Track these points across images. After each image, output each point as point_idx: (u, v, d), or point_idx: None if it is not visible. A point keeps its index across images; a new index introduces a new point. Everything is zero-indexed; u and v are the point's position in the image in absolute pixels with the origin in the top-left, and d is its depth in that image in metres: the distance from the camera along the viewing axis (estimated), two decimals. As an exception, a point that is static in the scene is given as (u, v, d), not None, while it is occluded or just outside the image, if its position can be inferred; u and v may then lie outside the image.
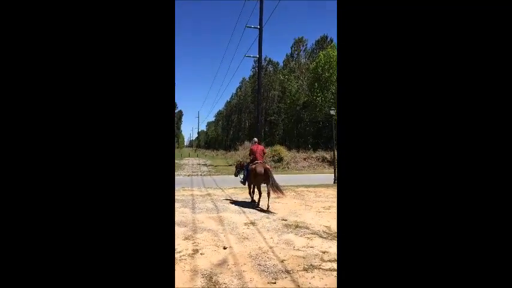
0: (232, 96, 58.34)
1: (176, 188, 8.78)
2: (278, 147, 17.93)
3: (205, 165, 19.94)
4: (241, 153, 21.28)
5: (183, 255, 3.24)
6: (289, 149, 20.06)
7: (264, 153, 6.16)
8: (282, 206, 6.06)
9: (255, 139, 6.65)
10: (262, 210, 5.57)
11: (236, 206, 6.01)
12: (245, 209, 5.70)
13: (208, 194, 7.64)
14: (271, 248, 3.49)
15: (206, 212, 5.48)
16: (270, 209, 5.52)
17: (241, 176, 6.71)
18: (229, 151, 35.36)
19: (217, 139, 64.52)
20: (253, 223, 4.65)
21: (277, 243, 3.66)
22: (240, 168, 7.04)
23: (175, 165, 18.89)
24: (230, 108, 57.23)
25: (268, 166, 5.71)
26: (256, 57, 15.71)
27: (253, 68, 41.30)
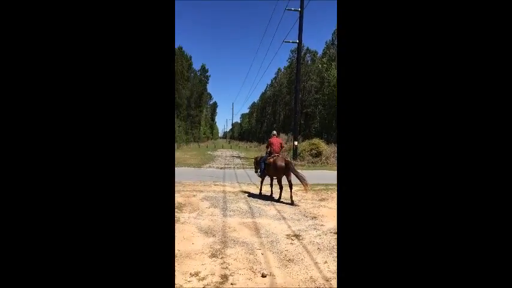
0: (267, 87, 57.33)
1: (207, 183, 8.10)
2: (316, 141, 16.34)
3: (238, 157, 19.29)
4: (276, 146, 20.32)
5: (207, 284, 2.38)
6: (328, 142, 18.59)
7: (282, 147, 6.03)
8: (329, 212, 4.99)
9: (274, 132, 6.46)
10: (286, 203, 5.48)
11: (274, 210, 5.09)
12: (285, 214, 4.75)
13: (242, 191, 6.79)
14: (328, 280, 2.51)
15: (239, 215, 4.62)
16: (295, 202, 5.48)
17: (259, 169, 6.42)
18: (263, 143, 34.55)
19: (250, 131, 64.25)
20: (297, 236, 3.68)
21: (335, 272, 2.66)
22: (257, 163, 6.68)
23: (208, 156, 18.51)
24: (265, 100, 56.31)
25: (288, 159, 5.63)
26: (296, 42, 14.49)
27: (290, 58, 39.72)
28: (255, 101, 67.25)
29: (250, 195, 6.41)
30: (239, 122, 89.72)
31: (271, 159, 5.66)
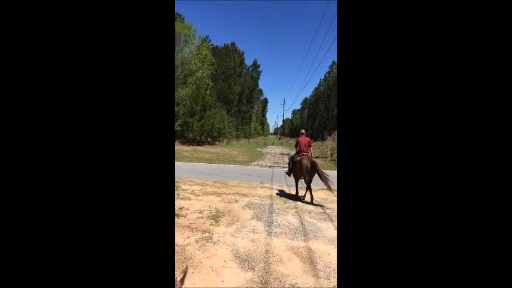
0: (320, 82, 54.76)
1: (253, 184, 7.25)
2: None
3: (288, 154, 18.20)
4: (330, 144, 18.66)
5: None
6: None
7: (310, 146, 5.97)
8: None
9: (302, 130, 6.29)
10: (307, 203, 5.39)
11: (332, 227, 3.97)
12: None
13: (289, 194, 5.77)
14: None
15: (288, 234, 3.62)
16: (315, 201, 5.41)
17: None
18: (315, 140, 32.82)
19: (302, 127, 62.32)
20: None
21: None
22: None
23: (257, 153, 17.78)
24: (317, 96, 53.90)
25: (314, 159, 5.58)
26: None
27: (346, 49, 36.88)
28: (307, 97, 65.06)
29: (301, 201, 5.37)
30: (290, 118, 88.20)
31: (298, 158, 5.64)
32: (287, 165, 7.14)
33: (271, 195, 5.95)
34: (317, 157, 15.40)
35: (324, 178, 5.24)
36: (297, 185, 6.03)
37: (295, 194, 5.99)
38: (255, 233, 3.62)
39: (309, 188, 5.50)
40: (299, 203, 5.34)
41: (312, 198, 5.42)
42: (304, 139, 5.95)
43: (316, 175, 5.41)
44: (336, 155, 13.84)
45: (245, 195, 5.78)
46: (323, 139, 25.24)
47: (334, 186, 5.21)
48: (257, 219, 4.20)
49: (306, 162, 5.41)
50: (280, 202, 5.37)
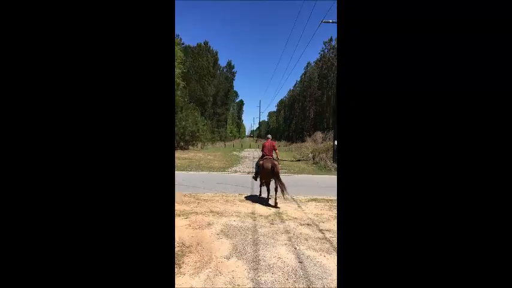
0: (296, 83, 54.59)
1: (231, 197, 6.04)
2: None
3: (267, 158, 17.14)
4: (311, 146, 17.85)
5: None
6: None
7: (275, 149, 6.00)
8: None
9: (269, 135, 6.39)
10: (270, 206, 5.31)
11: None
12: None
13: (280, 217, 4.64)
14: None
15: (283, 284, 2.48)
16: (279, 206, 5.28)
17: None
18: (293, 142, 32.16)
19: (278, 129, 61.91)
20: None
21: None
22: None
23: (234, 157, 16.54)
24: (293, 97, 53.66)
25: (276, 162, 5.58)
26: (335, 22, 12.04)
27: (322, 50, 36.71)
28: (283, 98, 64.77)
29: (293, 220, 4.26)
30: (266, 120, 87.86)
31: (261, 162, 5.70)
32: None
33: (253, 213, 4.79)
34: (298, 160, 14.48)
35: (280, 185, 5.26)
36: (260, 187, 6.10)
37: (258, 195, 6.08)
38: (234, 282, 2.43)
39: (275, 191, 5.43)
40: (290, 224, 4.22)
41: (275, 202, 5.36)
42: (269, 143, 6.00)
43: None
44: (318, 158, 12.96)
45: (221, 215, 4.57)
46: (303, 140, 24.38)
47: (288, 195, 5.39)
48: (237, 255, 3.01)
49: (267, 164, 5.50)
50: (265, 223, 4.22)
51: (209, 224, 4.05)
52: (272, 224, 4.20)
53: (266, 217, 4.55)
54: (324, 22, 12.29)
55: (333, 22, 12.25)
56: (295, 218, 4.55)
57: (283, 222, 4.32)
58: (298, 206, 5.38)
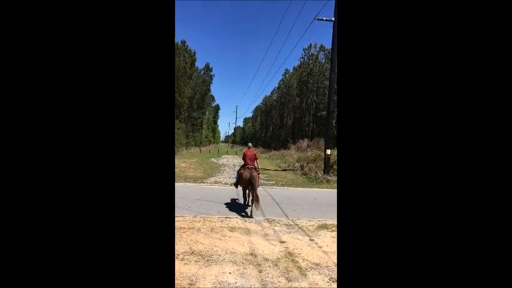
0: (273, 90, 53.91)
1: (216, 222, 4.50)
2: (330, 152, 11.47)
3: (248, 166, 15.69)
4: (296, 154, 16.67)
5: None
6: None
7: (256, 159, 5.87)
8: None
9: (250, 144, 6.32)
10: (246, 216, 5.11)
11: None
12: None
13: (294, 261, 3.20)
14: None
15: None
16: (254, 215, 5.11)
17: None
18: (272, 149, 31.01)
19: (254, 135, 60.79)
20: None
21: None
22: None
23: (212, 165, 14.88)
24: (270, 103, 52.87)
25: (255, 172, 5.49)
26: (331, 20, 11.04)
27: (302, 56, 36.19)
28: (260, 104, 63.89)
29: (316, 269, 2.84)
30: (241, 126, 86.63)
31: (242, 171, 5.66)
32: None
33: (253, 253, 3.31)
34: (284, 169, 13.19)
35: (254, 196, 5.18)
36: (244, 195, 5.95)
37: (244, 202, 5.96)
38: None
39: (255, 200, 5.24)
40: (316, 279, 2.79)
41: (251, 211, 5.23)
42: (250, 152, 5.92)
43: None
44: (307, 168, 11.74)
45: (208, 260, 3.05)
46: (286, 148, 23.13)
47: (258, 208, 5.20)
48: None
49: (246, 174, 5.43)
50: (277, 275, 2.77)
51: (191, 284, 2.53)
52: (288, 277, 2.76)
53: (275, 263, 3.10)
54: (318, 19, 11.24)
55: (327, 20, 11.23)
56: (317, 263, 3.15)
57: (303, 273, 2.89)
58: (310, 239, 3.99)
